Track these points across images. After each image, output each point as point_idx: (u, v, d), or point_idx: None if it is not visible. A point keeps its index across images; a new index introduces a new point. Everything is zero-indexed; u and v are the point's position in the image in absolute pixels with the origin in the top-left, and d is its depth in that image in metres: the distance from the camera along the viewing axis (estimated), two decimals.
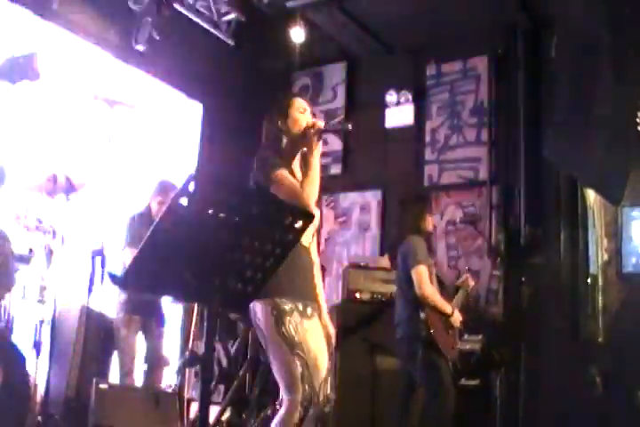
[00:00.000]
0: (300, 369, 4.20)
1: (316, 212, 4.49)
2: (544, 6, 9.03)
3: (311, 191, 4.30)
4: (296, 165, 4.52)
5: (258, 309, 4.31)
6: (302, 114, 4.53)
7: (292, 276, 4.29)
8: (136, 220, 7.18)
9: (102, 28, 9.02)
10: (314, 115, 4.65)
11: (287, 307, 4.24)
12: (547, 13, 9.08)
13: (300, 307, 4.31)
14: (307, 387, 4.20)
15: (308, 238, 4.48)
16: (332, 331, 4.61)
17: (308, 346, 4.24)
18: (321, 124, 4.43)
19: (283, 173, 4.31)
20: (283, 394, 4.30)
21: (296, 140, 4.49)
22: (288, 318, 4.22)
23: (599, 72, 7.63)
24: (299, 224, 3.60)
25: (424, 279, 6.50)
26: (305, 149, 4.47)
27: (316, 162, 4.36)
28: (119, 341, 7.06)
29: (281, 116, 4.54)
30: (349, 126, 4.43)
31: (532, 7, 9.17)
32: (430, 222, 6.93)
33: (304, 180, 4.33)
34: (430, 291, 6.50)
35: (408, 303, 6.61)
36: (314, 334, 4.36)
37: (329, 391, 4.31)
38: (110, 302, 7.25)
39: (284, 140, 4.51)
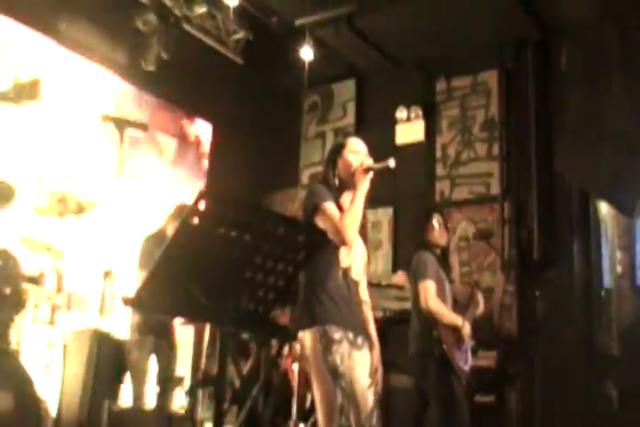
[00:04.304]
0: (339, 400, 4.16)
1: (362, 246, 4.58)
2: (554, 20, 9.01)
3: (349, 224, 4.31)
4: (346, 201, 4.51)
5: (306, 337, 4.27)
6: (355, 154, 4.61)
7: (339, 306, 4.30)
8: (150, 241, 7.11)
9: (110, 49, 9.02)
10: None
11: (337, 336, 4.20)
12: (556, 27, 9.05)
13: (351, 336, 4.27)
14: (344, 419, 4.17)
15: (358, 274, 4.52)
16: (380, 369, 4.56)
17: (355, 378, 4.20)
18: (369, 161, 4.48)
19: (328, 204, 4.37)
20: (320, 423, 4.26)
21: (346, 179, 4.56)
22: (336, 347, 4.17)
23: (610, 84, 7.59)
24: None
25: (430, 294, 6.43)
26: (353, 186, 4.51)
27: (359, 197, 4.40)
28: (131, 363, 6.99)
29: (335, 157, 4.65)
30: (392, 163, 4.45)
31: (542, 21, 9.13)
32: (439, 236, 6.82)
33: (345, 212, 4.35)
34: (435, 305, 6.42)
35: (420, 319, 6.55)
36: (363, 365, 4.30)
37: (374, 423, 4.26)
38: (122, 323, 7.19)
39: (336, 179, 4.60)
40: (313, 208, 4.35)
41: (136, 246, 7.17)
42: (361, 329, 4.41)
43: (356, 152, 4.61)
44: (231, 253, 3.24)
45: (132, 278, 6.90)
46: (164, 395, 7.16)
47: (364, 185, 4.41)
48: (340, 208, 4.41)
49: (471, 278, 8.98)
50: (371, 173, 4.42)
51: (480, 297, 6.96)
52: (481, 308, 6.93)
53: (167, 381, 7.20)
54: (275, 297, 3.47)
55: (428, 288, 6.45)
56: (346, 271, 4.38)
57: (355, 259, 4.46)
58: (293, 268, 3.44)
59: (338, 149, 4.67)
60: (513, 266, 8.68)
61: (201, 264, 3.21)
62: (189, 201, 7.16)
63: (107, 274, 5.37)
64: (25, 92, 5.63)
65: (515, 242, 8.99)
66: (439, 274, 6.63)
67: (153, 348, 7.07)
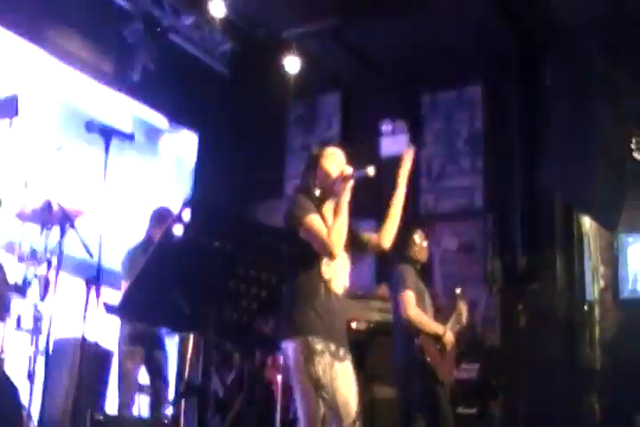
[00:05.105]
0: (322, 411, 4.18)
1: (345, 258, 4.56)
2: (539, 33, 9.04)
3: (337, 237, 4.30)
4: (328, 211, 4.54)
5: (289, 347, 4.28)
6: (333, 162, 4.60)
7: (322, 317, 4.29)
8: (137, 251, 7.07)
9: (96, 58, 9.04)
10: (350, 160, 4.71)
11: (318, 347, 4.21)
12: (541, 40, 9.09)
13: (333, 348, 4.27)
14: None
15: (340, 285, 4.50)
16: None
17: (336, 388, 4.20)
18: (349, 170, 4.47)
19: (313, 217, 4.35)
20: None
21: (326, 188, 4.56)
22: (318, 358, 4.18)
23: (595, 100, 7.63)
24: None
25: (410, 303, 6.46)
26: (335, 195, 4.53)
27: (343, 208, 4.40)
28: (123, 373, 6.96)
29: (313, 166, 4.64)
30: (371, 170, 4.44)
31: (527, 35, 9.18)
32: (420, 251, 6.84)
33: (331, 226, 4.34)
34: (415, 313, 6.44)
35: (401, 330, 6.56)
36: (345, 376, 4.30)
37: None
38: (106, 332, 7.18)
39: (316, 188, 4.59)
40: (297, 221, 4.33)
41: (121, 256, 7.16)
42: (343, 340, 4.43)
43: (334, 161, 4.61)
44: (214, 262, 3.25)
45: (118, 287, 6.90)
46: (159, 405, 7.14)
47: (345, 195, 4.41)
48: (323, 218, 4.41)
49: (455, 290, 9.01)
50: (351, 182, 4.41)
51: (463, 305, 6.97)
52: (464, 315, 6.94)
53: (161, 391, 7.18)
54: (258, 307, 3.48)
55: (408, 298, 6.48)
56: (327, 283, 4.37)
57: (336, 270, 4.44)
58: (277, 278, 3.46)
59: (315, 159, 4.65)
60: (496, 279, 8.70)
61: (184, 274, 3.23)
62: (167, 205, 7.17)
63: (90, 282, 5.35)
64: (2, 109, 5.71)
65: (498, 255, 9.01)
66: (419, 285, 6.66)
67: (144, 359, 7.06)
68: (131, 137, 5.61)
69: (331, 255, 4.30)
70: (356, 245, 4.64)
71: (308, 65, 9.98)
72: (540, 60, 9.16)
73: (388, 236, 4.67)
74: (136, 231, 7.85)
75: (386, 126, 10.28)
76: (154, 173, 9.82)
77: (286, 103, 11.15)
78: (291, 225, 4.35)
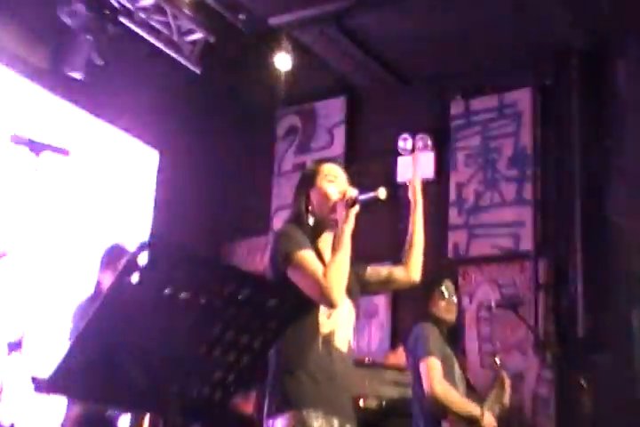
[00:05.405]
0: None
1: (348, 304, 4.49)
2: (606, 21, 8.98)
3: (336, 278, 4.23)
4: (326, 245, 4.53)
5: (277, 425, 4.20)
6: (332, 183, 4.59)
7: (320, 384, 4.25)
8: (85, 308, 7.02)
9: (26, 48, 8.99)
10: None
11: (316, 425, 4.13)
12: (610, 31, 9.05)
13: (336, 425, 4.21)
14: None
15: (343, 340, 4.44)
16: None
17: None
18: (352, 192, 4.45)
19: (305, 253, 4.29)
20: None
21: (323, 215, 4.55)
22: None
23: None
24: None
25: (435, 374, 6.40)
26: (334, 225, 4.50)
27: (345, 241, 4.35)
28: None
29: (307, 188, 4.63)
30: (382, 193, 4.39)
31: (591, 23, 9.12)
32: (446, 309, 6.82)
33: (329, 264, 4.29)
34: (441, 387, 6.39)
35: (424, 409, 6.52)
36: None
37: None
38: (31, 415, 7.11)
39: (311, 216, 4.58)
40: (285, 259, 4.28)
41: (61, 312, 7.11)
42: (349, 414, 4.37)
43: (334, 180, 4.59)
44: (181, 321, 3.19)
45: (50, 354, 6.83)
46: None
47: (348, 223, 4.38)
48: (319, 254, 4.38)
49: (493, 359, 8.98)
50: (356, 208, 4.38)
51: (506, 379, 6.93)
52: (507, 395, 6.90)
53: None
54: (236, 379, 3.42)
55: (432, 367, 6.43)
56: (327, 338, 4.32)
57: (338, 321, 4.40)
58: (262, 341, 3.40)
59: (310, 178, 4.64)
60: (550, 345, 8.66)
61: (141, 335, 3.16)
62: (122, 243, 7.15)
63: (13, 347, 5.29)
64: None
65: (553, 313, 8.96)
66: (445, 352, 6.62)
67: None
68: (65, 152, 5.60)
69: (330, 304, 4.24)
70: (364, 284, 4.70)
71: (304, 61, 9.99)
72: (610, 56, 9.14)
73: (415, 267, 4.81)
74: (85, 279, 7.81)
75: (404, 142, 10.27)
76: (102, 204, 9.78)
77: (275, 111, 11.18)
78: (277, 265, 4.32)
